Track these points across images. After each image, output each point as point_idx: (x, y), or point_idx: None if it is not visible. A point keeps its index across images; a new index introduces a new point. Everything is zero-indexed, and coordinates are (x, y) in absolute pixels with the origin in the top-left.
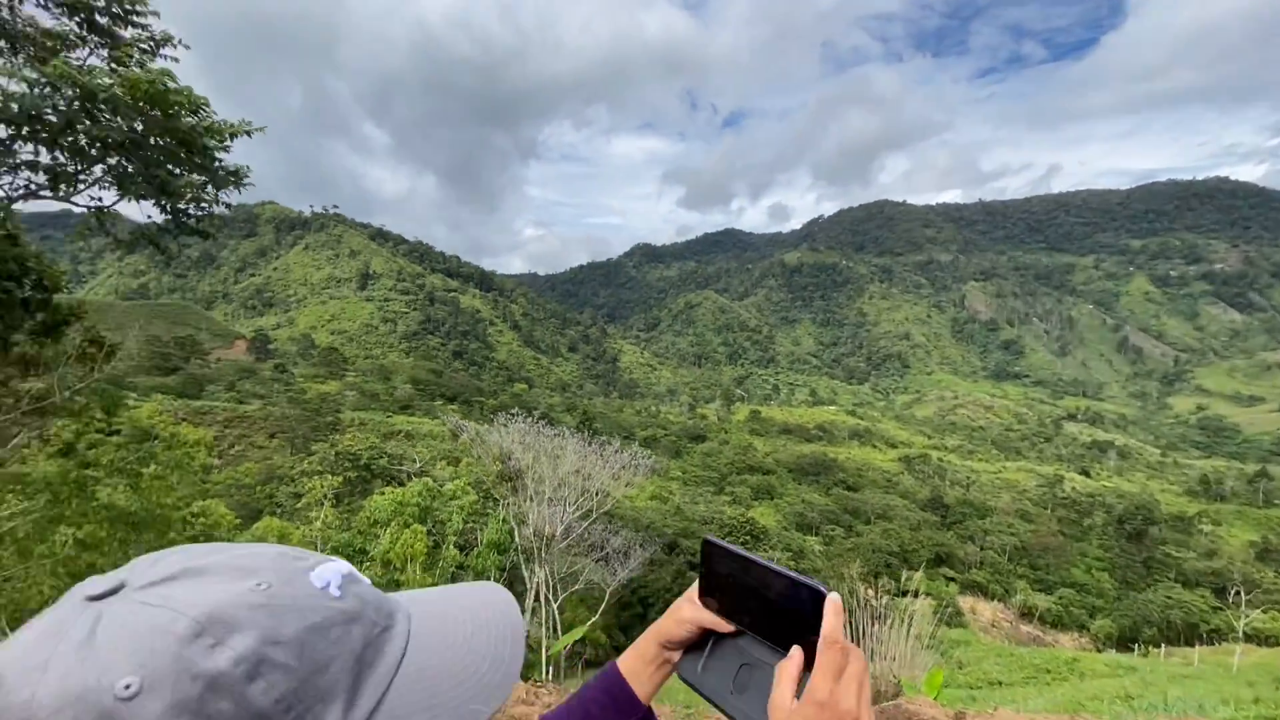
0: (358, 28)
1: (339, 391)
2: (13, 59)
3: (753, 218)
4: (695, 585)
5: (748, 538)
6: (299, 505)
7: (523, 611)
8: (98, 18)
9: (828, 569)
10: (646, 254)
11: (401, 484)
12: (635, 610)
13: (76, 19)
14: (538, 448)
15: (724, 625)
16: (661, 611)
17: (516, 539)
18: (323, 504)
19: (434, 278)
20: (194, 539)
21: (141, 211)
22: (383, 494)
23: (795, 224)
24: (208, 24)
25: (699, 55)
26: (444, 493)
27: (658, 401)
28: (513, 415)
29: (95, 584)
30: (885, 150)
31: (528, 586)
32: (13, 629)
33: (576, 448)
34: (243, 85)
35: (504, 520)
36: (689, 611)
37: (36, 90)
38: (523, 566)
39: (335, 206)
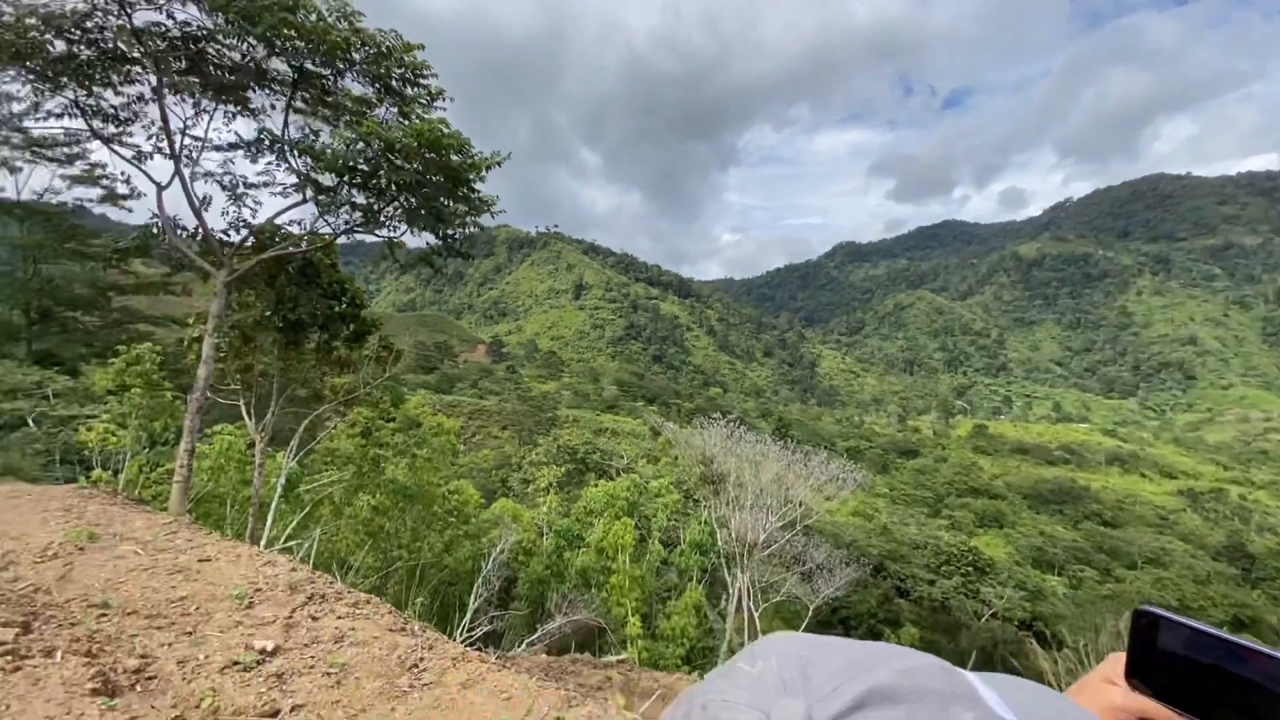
0: (576, 60)
1: (557, 390)
2: (335, 124)
3: (979, 206)
4: (1112, 662)
5: (969, 569)
6: (528, 491)
7: (723, 616)
8: (392, 82)
9: (1076, 617)
10: (849, 253)
11: (611, 478)
12: (835, 631)
13: (377, 85)
14: (739, 453)
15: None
16: (864, 634)
17: (718, 542)
18: (548, 491)
19: (637, 286)
20: (450, 513)
21: (419, 239)
22: (596, 486)
23: (1034, 210)
24: (458, 76)
25: (914, 35)
26: (650, 490)
27: (861, 411)
28: (713, 419)
29: (770, 704)
30: (1160, 114)
31: (730, 591)
32: (340, 572)
33: (778, 456)
34: (484, 125)
35: (705, 522)
36: (1122, 698)
37: (352, 146)
38: (725, 570)
39: (555, 225)
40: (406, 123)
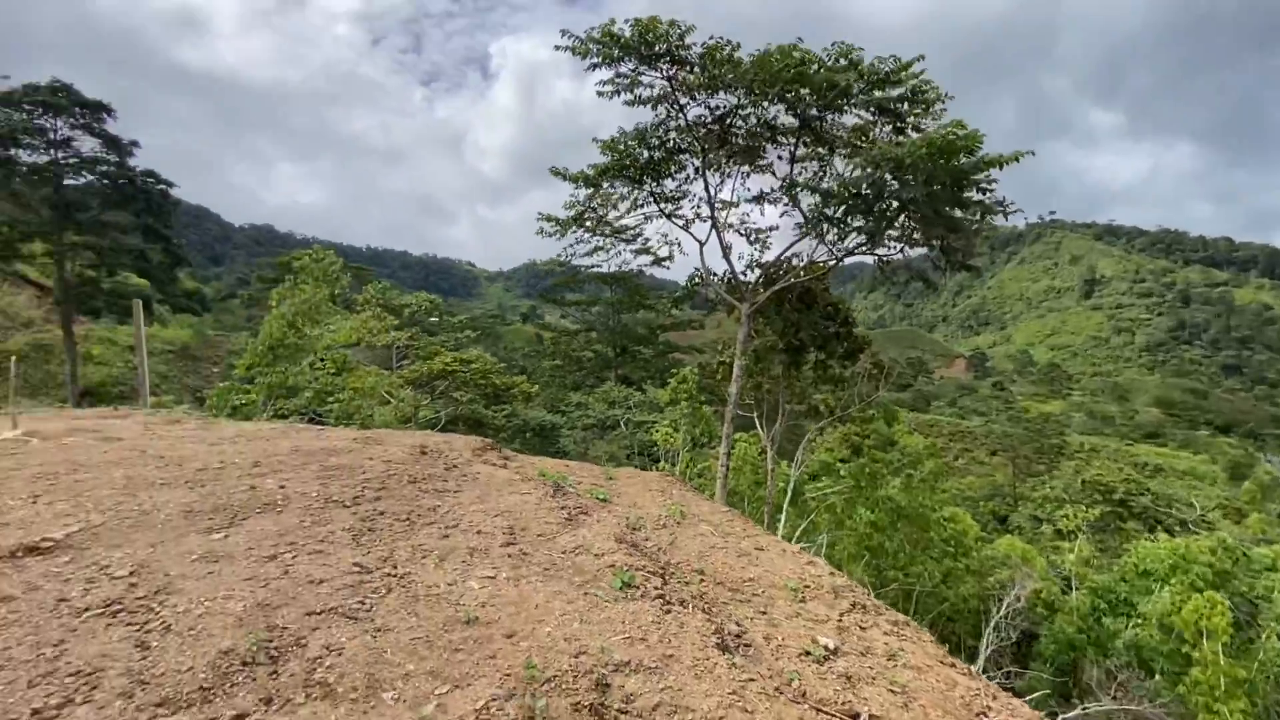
0: (1077, 7)
1: (1062, 412)
2: (829, 156)
3: None
4: None
5: None
6: (1041, 530)
7: None
8: (890, 104)
9: None
10: None
11: (1171, 532)
12: None
13: (871, 110)
14: None
15: None
16: None
17: None
18: (1075, 536)
19: (1188, 272)
20: (946, 541)
21: (907, 254)
22: (1152, 541)
23: None
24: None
25: None
26: (1253, 559)
27: None
28: None
29: None
30: None
31: None
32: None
33: None
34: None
35: None
36: None
37: (862, 172)
38: None
39: (1052, 213)
40: (903, 138)
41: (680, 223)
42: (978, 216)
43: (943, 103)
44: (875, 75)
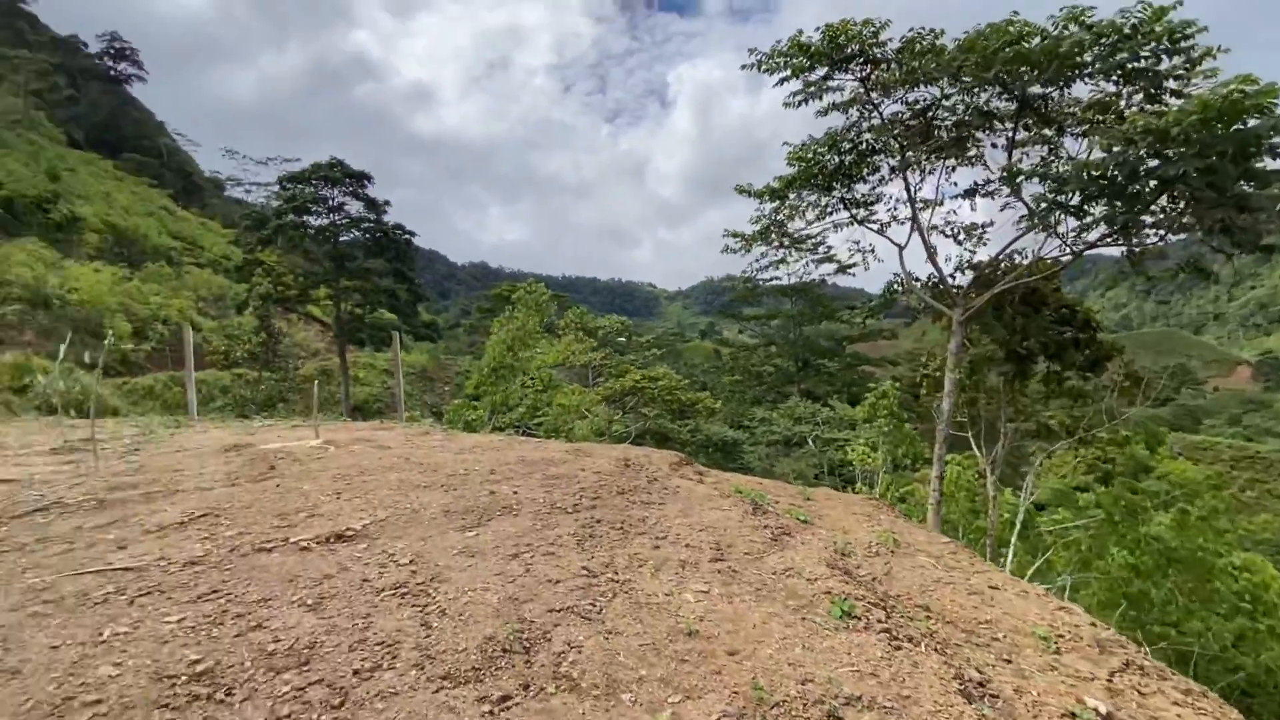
0: None
1: None
2: (1057, 137)
3: None
4: None
5: None
6: None
7: None
8: (1141, 63)
9: None
10: None
11: None
12: None
13: (1115, 77)
14: None
15: None
16: None
17: None
18: None
19: None
20: (1238, 595)
21: (1169, 242)
22: None
23: None
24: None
25: None
26: None
27: None
28: None
29: None
30: None
31: None
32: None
33: None
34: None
35: None
36: None
37: (1110, 152)
38: None
39: None
40: (1161, 106)
41: (874, 227)
42: (1276, 190)
43: (1214, 57)
44: (1117, 33)
